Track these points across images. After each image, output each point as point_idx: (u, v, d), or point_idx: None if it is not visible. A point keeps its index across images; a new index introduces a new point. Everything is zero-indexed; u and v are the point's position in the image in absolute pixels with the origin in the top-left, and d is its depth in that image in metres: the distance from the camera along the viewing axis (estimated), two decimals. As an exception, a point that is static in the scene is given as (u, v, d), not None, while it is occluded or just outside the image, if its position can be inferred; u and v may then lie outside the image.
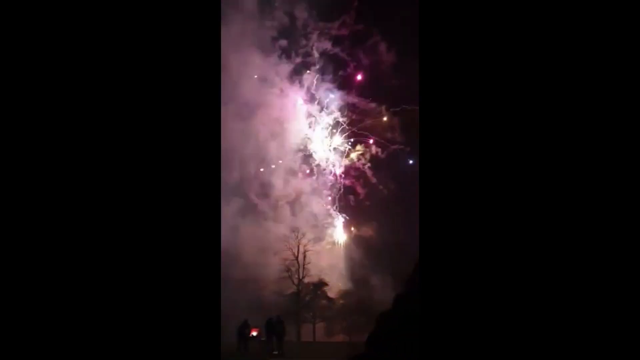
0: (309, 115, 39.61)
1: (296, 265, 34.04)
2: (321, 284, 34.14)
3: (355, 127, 39.33)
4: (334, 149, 39.56)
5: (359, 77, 39.00)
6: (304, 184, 39.17)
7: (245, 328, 19.27)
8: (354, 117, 39.30)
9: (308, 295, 34.19)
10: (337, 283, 34.68)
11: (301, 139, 39.46)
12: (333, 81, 39.36)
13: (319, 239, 36.67)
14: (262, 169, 38.14)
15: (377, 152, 38.95)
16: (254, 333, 21.11)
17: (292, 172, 39.08)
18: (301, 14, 38.14)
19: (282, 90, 38.93)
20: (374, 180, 38.54)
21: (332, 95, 39.22)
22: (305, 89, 39.53)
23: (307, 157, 39.55)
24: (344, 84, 39.28)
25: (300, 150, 39.50)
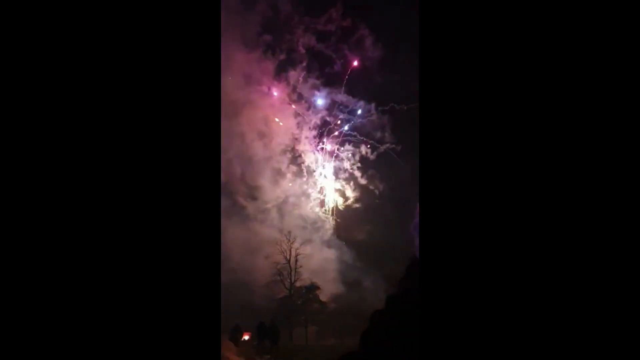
0: (296, 114, 38.64)
1: (288, 269, 33.87)
2: (313, 288, 34.01)
3: (344, 127, 38.64)
4: (322, 149, 38.77)
5: (355, 62, 38.03)
6: (293, 186, 38.41)
7: (236, 332, 19.16)
8: (342, 116, 38.62)
9: (300, 299, 34.02)
10: (328, 286, 34.49)
11: (289, 139, 38.52)
12: (320, 79, 38.41)
13: (309, 241, 36.24)
14: (245, 173, 37.32)
15: (366, 153, 38.25)
16: (246, 337, 21.01)
17: (280, 174, 38.26)
18: (285, 7, 36.95)
19: (269, 89, 37.94)
20: (363, 181, 38.07)
21: (318, 93, 38.36)
22: (291, 87, 38.40)
23: (296, 158, 38.71)
24: (331, 81, 38.39)
25: (288, 151, 38.61)
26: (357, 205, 37.98)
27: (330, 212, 38.09)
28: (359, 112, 38.05)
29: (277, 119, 38.11)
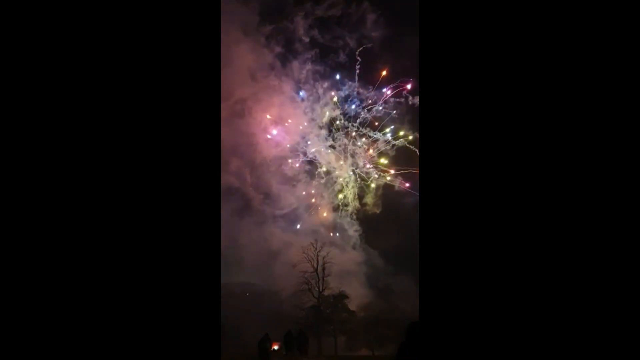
0: (306, 111, 36.33)
1: (316, 277, 33.66)
2: (342, 297, 33.72)
3: (358, 123, 36.40)
4: (332, 147, 36.67)
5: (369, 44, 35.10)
6: (308, 188, 36.84)
7: (266, 342, 19.10)
8: (356, 110, 36.25)
9: (329, 308, 33.74)
10: (356, 293, 33.98)
11: (300, 138, 36.64)
12: (327, 71, 36.05)
13: (332, 245, 35.29)
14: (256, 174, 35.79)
15: (386, 149, 36.11)
16: (275, 347, 20.98)
17: (295, 176, 36.71)
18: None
19: (279, 83, 35.75)
20: (383, 180, 36.27)
21: (325, 86, 35.97)
22: (299, 80, 36.10)
23: (310, 160, 37.00)
24: (340, 71, 35.90)
25: (301, 151, 36.74)
26: (379, 204, 36.53)
27: (351, 215, 36.98)
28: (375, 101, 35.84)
29: (310, 127, 36.50)
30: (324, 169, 36.96)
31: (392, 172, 36.09)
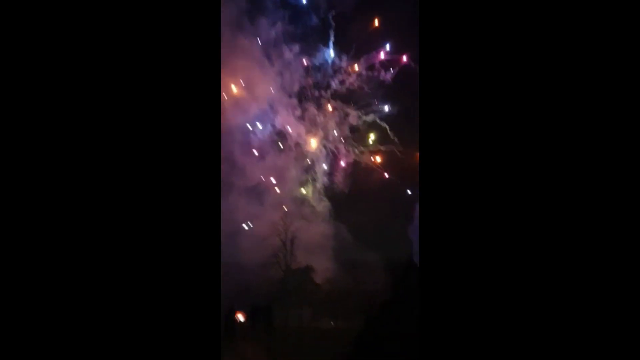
0: (275, 76, 34.22)
1: (284, 250, 33.84)
2: (308, 270, 34.17)
3: (329, 92, 34.70)
4: (301, 117, 35.14)
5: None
6: (276, 161, 35.48)
7: (232, 314, 19.30)
8: (328, 78, 34.52)
9: (295, 281, 34.14)
10: (324, 267, 34.42)
11: (267, 107, 34.63)
12: (299, 34, 34.18)
13: (301, 220, 34.95)
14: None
15: (357, 122, 34.87)
16: (241, 317, 21.23)
17: (262, 148, 35.14)
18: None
19: (247, 43, 32.90)
20: (353, 155, 35.58)
21: (295, 49, 34.04)
22: (267, 42, 33.89)
23: (278, 130, 35.28)
24: (311, 36, 34.14)
25: (269, 122, 34.99)
26: (347, 181, 35.99)
27: (319, 191, 36.56)
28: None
29: (278, 94, 34.35)
30: (293, 141, 35.87)
31: (379, 159, 35.15)
